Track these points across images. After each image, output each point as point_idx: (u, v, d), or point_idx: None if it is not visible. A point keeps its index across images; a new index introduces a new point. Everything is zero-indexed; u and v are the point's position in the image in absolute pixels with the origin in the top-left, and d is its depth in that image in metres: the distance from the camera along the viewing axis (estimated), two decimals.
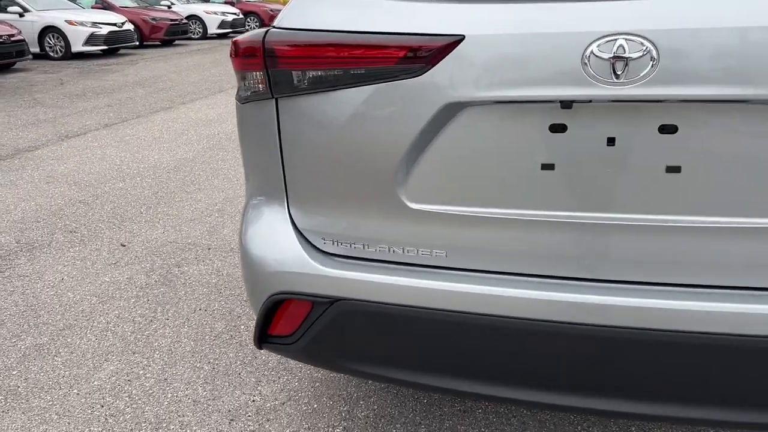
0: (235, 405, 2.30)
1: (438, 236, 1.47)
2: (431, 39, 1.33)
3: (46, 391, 2.40)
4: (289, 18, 1.48)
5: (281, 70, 1.46)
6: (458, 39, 1.31)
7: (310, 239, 1.60)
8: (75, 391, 2.40)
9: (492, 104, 1.33)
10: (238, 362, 2.55)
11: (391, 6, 1.39)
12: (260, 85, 1.52)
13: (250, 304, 1.73)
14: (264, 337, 1.68)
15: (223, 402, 2.32)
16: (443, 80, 1.33)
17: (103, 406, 2.31)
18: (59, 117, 7.84)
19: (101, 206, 4.53)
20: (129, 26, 15.84)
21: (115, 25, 15.19)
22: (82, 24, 14.37)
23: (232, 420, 2.22)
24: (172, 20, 18.06)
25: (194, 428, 2.18)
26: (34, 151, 6.15)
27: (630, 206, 1.35)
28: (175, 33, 18.27)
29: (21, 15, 14.18)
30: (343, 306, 1.53)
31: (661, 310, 1.32)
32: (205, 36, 20.55)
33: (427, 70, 1.34)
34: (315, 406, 2.28)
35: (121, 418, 2.24)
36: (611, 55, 1.22)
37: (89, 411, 2.28)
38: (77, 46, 14.32)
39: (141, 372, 2.51)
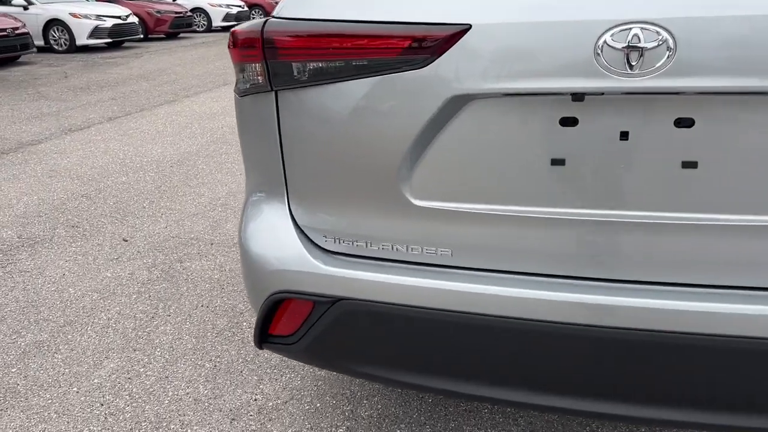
0: (237, 404, 2.26)
1: (443, 234, 1.42)
2: (436, 28, 1.27)
3: (45, 389, 2.37)
4: (288, 7, 1.43)
5: (281, 61, 1.41)
6: (464, 28, 1.25)
7: (311, 237, 1.56)
8: (75, 389, 2.37)
9: (500, 97, 1.28)
10: (240, 360, 2.51)
11: None
12: (259, 78, 1.46)
13: (250, 303, 1.68)
14: (264, 337, 1.64)
15: (224, 401, 2.28)
16: (449, 72, 1.27)
17: (102, 405, 2.27)
18: (63, 110, 7.81)
19: (104, 200, 4.50)
20: (133, 19, 15.79)
21: (119, 17, 15.14)
22: (86, 17, 14.33)
23: (233, 419, 2.18)
24: (176, 13, 17.99)
25: (195, 428, 2.14)
26: (37, 145, 6.12)
27: (644, 203, 1.29)
28: (180, 26, 18.22)
29: (25, 8, 14.15)
30: (346, 306, 1.48)
31: (678, 312, 1.27)
32: (209, 29, 20.48)
33: (432, 61, 1.28)
34: (318, 405, 2.23)
35: (120, 417, 2.20)
36: (625, 45, 1.16)
37: (89, 410, 2.25)
38: (82, 39, 14.28)
39: (142, 370, 2.47)
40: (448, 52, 1.27)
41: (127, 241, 3.77)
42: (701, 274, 1.31)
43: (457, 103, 1.29)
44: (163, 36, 18.36)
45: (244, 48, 1.46)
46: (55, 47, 14.37)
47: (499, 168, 1.33)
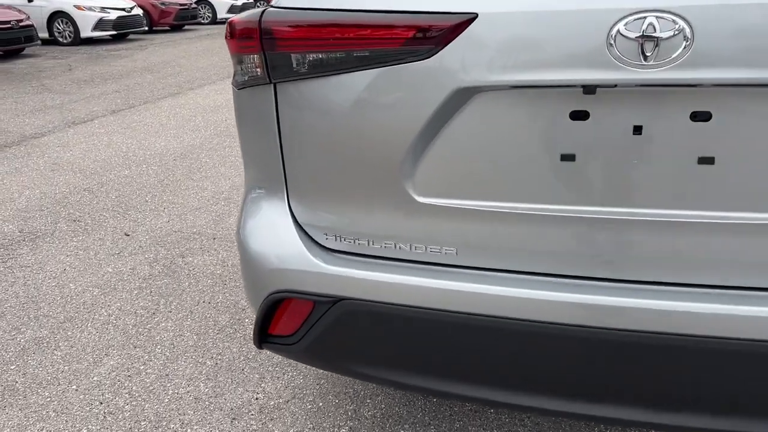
0: (238, 403, 2.22)
1: (448, 232, 1.37)
2: (441, 17, 1.21)
3: (44, 387, 2.33)
4: None
5: (279, 52, 1.36)
6: (470, 17, 1.19)
7: (311, 234, 1.51)
8: (74, 387, 2.33)
9: (507, 89, 1.22)
10: (242, 357, 2.47)
11: None
12: (257, 70, 1.41)
13: (249, 302, 1.64)
14: (264, 337, 1.59)
15: (225, 399, 2.24)
16: (454, 63, 1.21)
17: (102, 403, 2.23)
18: (66, 103, 7.77)
19: (106, 194, 4.46)
20: (138, 11, 15.74)
21: (123, 10, 15.10)
22: (90, 9, 14.29)
23: (234, 419, 2.14)
24: (181, 5, 17.93)
25: (195, 427, 2.10)
26: (40, 138, 6.08)
27: (657, 201, 1.23)
28: (185, 18, 18.17)
29: (30, 0, 14.10)
30: (347, 306, 1.43)
31: (695, 315, 1.21)
32: (214, 21, 20.42)
33: (437, 52, 1.22)
34: (320, 404, 2.19)
35: (119, 416, 2.17)
36: (640, 35, 1.10)
37: (87, 408, 2.21)
38: (86, 32, 14.25)
39: (142, 367, 2.44)
40: (453, 42, 1.21)
41: (128, 235, 3.73)
42: (718, 275, 1.25)
43: (463, 95, 1.24)
44: (167, 28, 18.31)
45: (241, 39, 1.41)
46: (60, 39, 14.33)
47: (506, 164, 1.28)
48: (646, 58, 1.11)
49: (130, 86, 8.96)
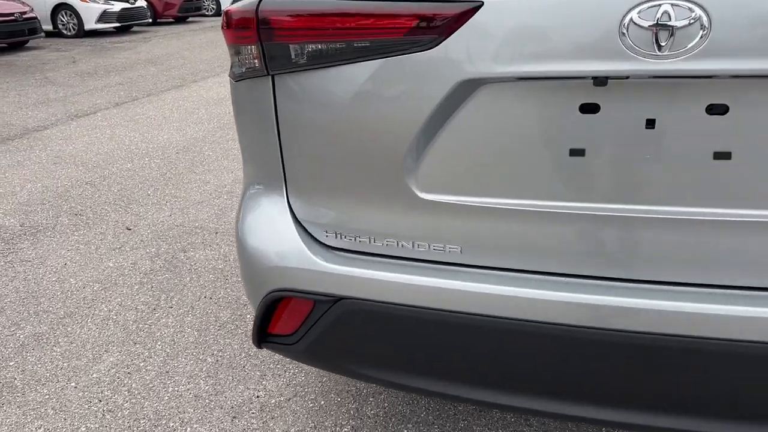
0: (239, 401, 2.18)
1: (452, 230, 1.32)
2: (444, 6, 1.16)
3: (43, 384, 2.30)
4: None
5: (277, 43, 1.31)
6: (476, 5, 1.14)
7: (311, 231, 1.46)
8: (73, 384, 2.30)
9: (514, 81, 1.17)
10: (243, 354, 2.43)
11: None
12: (255, 61, 1.36)
13: (248, 300, 1.60)
14: (263, 336, 1.55)
15: (225, 397, 2.20)
16: (458, 54, 1.16)
17: (101, 401, 2.20)
18: (70, 96, 7.74)
19: (108, 188, 4.42)
20: (142, 3, 15.68)
21: (127, 2, 15.04)
22: (94, 1, 14.23)
23: (234, 417, 2.10)
24: None
25: (195, 426, 2.07)
26: (42, 131, 6.05)
27: (671, 197, 1.18)
28: (189, 10, 18.09)
29: None
30: (348, 305, 1.38)
31: (710, 316, 1.16)
32: (218, 12, 20.32)
33: (440, 43, 1.17)
34: (322, 402, 2.15)
35: (119, 414, 2.13)
36: (654, 23, 1.05)
37: (86, 406, 2.18)
38: (90, 24, 14.19)
39: (142, 364, 2.40)
40: (457, 31, 1.16)
41: (130, 229, 3.70)
42: (735, 275, 1.20)
43: (468, 87, 1.19)
44: (171, 20, 18.25)
45: (238, 29, 1.36)
46: (64, 32, 14.29)
47: (513, 159, 1.23)
48: (660, 48, 1.06)
49: (133, 79, 8.91)
